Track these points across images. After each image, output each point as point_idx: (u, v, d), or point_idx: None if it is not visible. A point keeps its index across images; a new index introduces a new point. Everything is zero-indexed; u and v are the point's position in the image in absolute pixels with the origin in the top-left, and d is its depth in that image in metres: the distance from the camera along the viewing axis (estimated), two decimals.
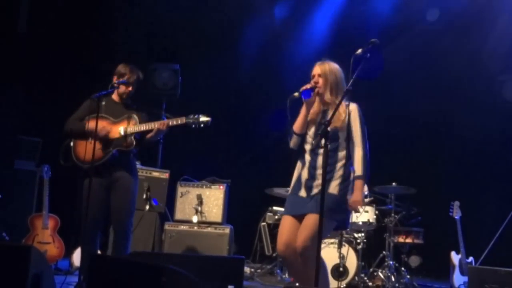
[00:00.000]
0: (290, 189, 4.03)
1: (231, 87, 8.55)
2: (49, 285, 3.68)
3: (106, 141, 4.52)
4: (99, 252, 4.90)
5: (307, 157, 3.94)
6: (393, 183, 6.26)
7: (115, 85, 4.60)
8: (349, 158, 3.91)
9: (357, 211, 4.07)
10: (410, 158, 8.03)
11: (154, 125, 4.53)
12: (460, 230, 6.13)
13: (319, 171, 3.81)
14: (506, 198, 7.16)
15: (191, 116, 4.54)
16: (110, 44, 7.95)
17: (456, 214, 6.20)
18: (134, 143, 4.56)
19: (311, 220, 3.71)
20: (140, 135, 4.62)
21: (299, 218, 3.87)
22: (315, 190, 3.83)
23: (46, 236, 5.96)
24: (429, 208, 6.96)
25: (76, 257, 5.77)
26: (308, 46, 8.18)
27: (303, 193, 3.90)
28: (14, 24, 7.95)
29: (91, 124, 4.44)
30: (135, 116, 4.59)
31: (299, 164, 4.00)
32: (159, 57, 7.87)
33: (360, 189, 3.85)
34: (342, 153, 3.89)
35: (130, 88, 4.66)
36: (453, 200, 6.32)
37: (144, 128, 4.54)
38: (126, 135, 4.53)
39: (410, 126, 8.05)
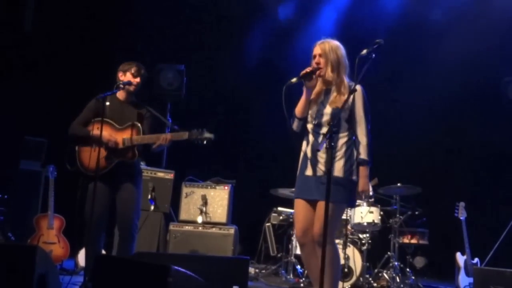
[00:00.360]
0: (298, 169, 4.02)
1: (236, 88, 8.55)
2: (55, 285, 3.69)
3: (110, 150, 4.53)
4: (103, 252, 4.91)
5: (310, 137, 3.96)
6: (398, 184, 6.25)
7: (120, 85, 4.60)
8: (351, 135, 3.92)
9: (368, 197, 4.09)
10: (415, 159, 8.01)
11: (157, 139, 4.52)
12: (465, 231, 6.11)
13: (321, 153, 3.82)
14: None
15: (195, 131, 4.53)
16: (116, 44, 7.97)
17: (462, 215, 6.18)
18: (137, 155, 4.57)
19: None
20: (143, 146, 4.63)
21: (312, 203, 3.89)
22: (320, 172, 3.85)
23: (51, 236, 5.98)
24: (434, 209, 6.94)
25: (81, 257, 5.77)
26: (312, 45, 8.16)
27: (309, 171, 3.91)
28: (20, 24, 7.97)
29: (95, 133, 4.45)
30: (139, 125, 4.59)
31: (304, 144, 4.02)
32: (164, 57, 7.88)
33: (366, 176, 3.89)
34: (344, 133, 3.90)
35: (138, 80, 4.65)
36: (459, 201, 6.30)
37: (147, 141, 4.55)
38: (128, 146, 4.53)
39: (416, 126, 8.02)
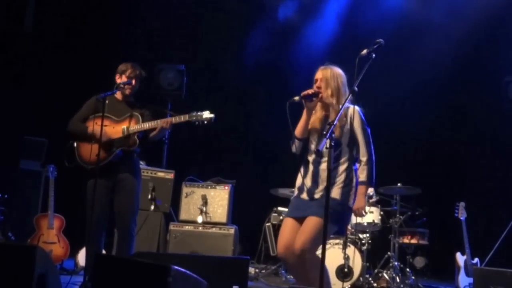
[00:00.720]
0: (295, 191, 4.03)
1: (236, 88, 8.56)
2: (55, 285, 3.69)
3: (110, 141, 4.52)
4: (103, 252, 4.91)
5: (311, 167, 3.94)
6: (398, 184, 6.25)
7: (120, 86, 4.61)
8: (352, 162, 3.91)
9: (360, 215, 4.07)
10: (416, 159, 8.02)
11: (157, 123, 4.52)
12: (465, 231, 6.10)
13: (322, 179, 3.82)
14: None
15: (194, 113, 4.53)
16: (116, 44, 7.97)
17: (462, 215, 6.18)
18: (138, 142, 4.56)
19: (311, 222, 3.75)
20: (143, 134, 4.62)
21: (300, 220, 3.88)
22: (317, 195, 3.85)
23: (51, 236, 5.98)
24: (434, 209, 6.95)
25: (81, 257, 5.78)
26: (313, 45, 8.17)
27: (305, 196, 3.91)
28: (20, 24, 7.98)
29: (94, 128, 4.45)
30: (137, 114, 4.60)
31: (302, 172, 3.99)
32: (165, 57, 7.88)
33: (363, 195, 3.89)
34: (344, 158, 3.90)
35: (133, 83, 4.66)
36: (459, 201, 6.30)
37: (147, 126, 4.54)
38: (129, 134, 4.54)
39: (416, 126, 8.03)
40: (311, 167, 3.94)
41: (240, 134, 8.66)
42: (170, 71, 7.44)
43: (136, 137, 4.56)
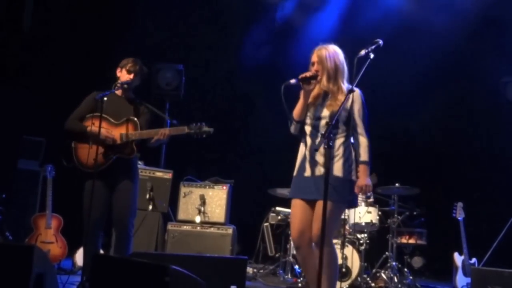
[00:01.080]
0: (295, 171, 3.99)
1: (234, 87, 8.56)
2: (52, 285, 3.68)
3: (108, 146, 4.52)
4: (101, 252, 4.90)
5: (308, 139, 3.95)
6: (396, 184, 6.26)
7: (118, 84, 4.60)
8: (348, 136, 3.92)
9: (368, 192, 4.05)
10: (414, 159, 8.02)
11: (155, 134, 4.52)
12: (463, 231, 6.11)
13: (319, 154, 3.82)
14: (510, 199, 7.15)
15: (193, 126, 4.53)
16: (114, 43, 7.96)
17: (460, 215, 6.18)
18: (135, 150, 4.56)
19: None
20: (141, 141, 4.62)
21: (310, 203, 3.88)
22: (319, 172, 3.83)
23: (49, 235, 5.97)
24: (432, 209, 6.95)
25: (79, 256, 5.78)
26: (311, 46, 8.15)
27: (308, 172, 3.89)
28: (19, 22, 7.97)
29: (93, 128, 4.44)
30: (135, 120, 4.58)
31: (301, 146, 4.01)
32: (163, 57, 7.88)
33: (366, 174, 3.88)
34: (341, 135, 3.91)
35: (131, 76, 4.64)
36: (457, 201, 6.30)
37: (145, 135, 4.55)
38: (126, 142, 4.53)
39: (414, 126, 8.03)
40: (308, 141, 3.93)
41: (238, 134, 8.66)
42: (169, 71, 7.44)
43: (134, 145, 4.55)
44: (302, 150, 4.00)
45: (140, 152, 4.93)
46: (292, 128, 4.01)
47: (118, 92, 4.66)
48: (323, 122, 3.87)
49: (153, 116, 4.73)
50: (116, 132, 4.54)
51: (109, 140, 4.48)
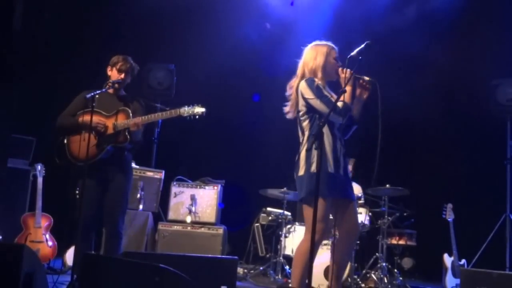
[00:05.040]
0: (330, 168, 3.93)
1: (225, 88, 8.54)
2: (42, 284, 3.67)
3: (100, 137, 4.49)
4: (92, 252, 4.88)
5: (338, 142, 4.07)
6: (387, 185, 6.28)
7: (109, 84, 4.58)
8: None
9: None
10: (404, 160, 8.05)
11: (150, 117, 4.48)
12: (452, 233, 6.15)
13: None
14: (499, 200, 7.20)
15: (186, 108, 4.48)
16: (105, 43, 7.94)
17: (449, 216, 6.22)
18: (128, 138, 4.51)
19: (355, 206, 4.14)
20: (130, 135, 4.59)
21: (343, 200, 4.01)
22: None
23: (39, 235, 5.94)
24: (422, 210, 6.98)
25: (69, 256, 5.75)
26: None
27: (341, 171, 4.01)
28: (9, 22, 7.92)
29: (84, 118, 4.39)
30: (127, 109, 4.55)
31: (331, 140, 3.99)
32: (154, 57, 7.86)
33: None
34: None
35: (122, 76, 4.62)
36: (446, 203, 6.34)
37: (140, 122, 4.50)
38: (119, 131, 4.50)
39: (404, 128, 8.06)
40: (338, 143, 4.04)
41: (229, 135, 8.65)
42: (160, 71, 7.43)
43: (126, 133, 4.51)
44: (331, 144, 3.98)
45: (133, 149, 4.90)
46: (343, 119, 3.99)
47: (110, 91, 4.63)
48: None
49: (146, 110, 4.70)
50: (108, 123, 4.51)
51: (101, 126, 4.44)
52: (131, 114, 4.53)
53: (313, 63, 4.09)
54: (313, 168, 3.84)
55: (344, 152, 4.04)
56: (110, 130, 4.51)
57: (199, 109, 4.49)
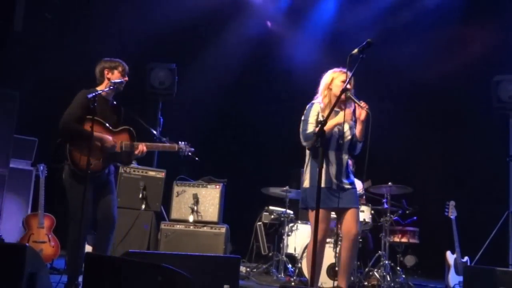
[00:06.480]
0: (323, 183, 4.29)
1: (227, 87, 8.55)
2: (45, 284, 3.67)
3: (106, 153, 4.50)
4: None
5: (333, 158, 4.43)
6: (389, 183, 6.27)
7: (112, 85, 4.56)
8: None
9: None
10: (406, 158, 8.05)
11: (152, 146, 4.72)
12: (455, 230, 6.14)
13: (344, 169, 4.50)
14: (501, 198, 7.19)
15: (182, 146, 4.90)
16: (107, 43, 7.94)
17: (452, 213, 6.22)
18: (132, 160, 4.63)
19: (356, 212, 4.52)
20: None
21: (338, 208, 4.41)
22: (347, 186, 4.47)
23: (41, 235, 5.95)
24: (424, 208, 6.98)
25: None
26: (302, 45, 8.17)
27: (335, 186, 4.40)
28: (10, 23, 7.93)
29: (95, 134, 4.38)
30: (132, 131, 4.63)
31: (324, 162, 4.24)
32: (155, 56, 7.86)
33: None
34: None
35: (126, 78, 4.64)
36: (449, 200, 6.33)
37: (148, 148, 4.64)
38: (126, 151, 4.55)
39: (406, 126, 8.06)
40: (333, 159, 4.39)
41: (231, 134, 8.66)
42: (161, 70, 7.43)
43: (131, 155, 4.63)
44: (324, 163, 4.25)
45: None
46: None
47: (103, 93, 4.59)
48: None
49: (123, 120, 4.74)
50: (117, 140, 4.55)
51: (112, 145, 4.49)
52: (135, 137, 4.61)
53: (321, 85, 4.52)
54: (306, 183, 4.45)
55: (340, 168, 4.42)
56: (117, 149, 4.55)
57: (191, 149, 4.97)
